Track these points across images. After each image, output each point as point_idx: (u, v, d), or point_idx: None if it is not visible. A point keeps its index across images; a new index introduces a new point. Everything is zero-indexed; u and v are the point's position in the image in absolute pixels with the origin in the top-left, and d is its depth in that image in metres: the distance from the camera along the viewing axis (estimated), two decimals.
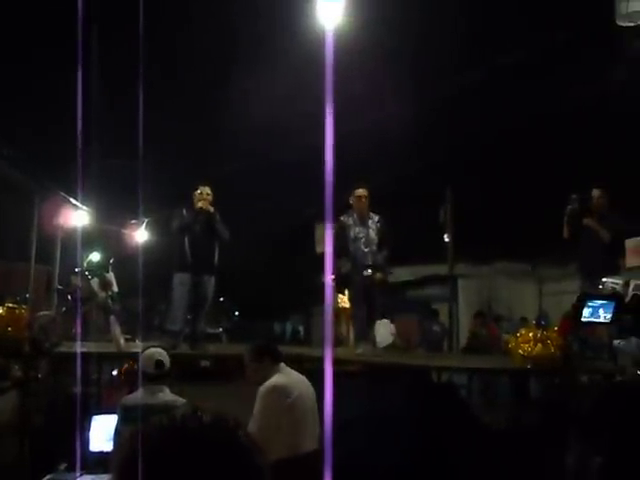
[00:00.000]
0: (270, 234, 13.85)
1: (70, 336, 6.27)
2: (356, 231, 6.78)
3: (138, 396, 4.17)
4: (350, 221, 6.81)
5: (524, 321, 11.23)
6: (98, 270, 7.16)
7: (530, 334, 5.03)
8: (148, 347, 4.47)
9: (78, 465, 3.97)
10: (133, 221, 10.07)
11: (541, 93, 8.20)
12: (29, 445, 5.11)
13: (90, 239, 8.39)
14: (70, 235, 9.05)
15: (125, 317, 7.51)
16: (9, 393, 5.44)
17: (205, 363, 9.10)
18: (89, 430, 4.47)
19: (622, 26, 6.11)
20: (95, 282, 7.10)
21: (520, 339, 5.06)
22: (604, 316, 4.66)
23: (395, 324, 9.27)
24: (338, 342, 7.44)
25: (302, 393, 4.01)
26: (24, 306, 5.82)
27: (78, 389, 4.97)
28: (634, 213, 7.24)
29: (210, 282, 6.88)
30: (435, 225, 12.79)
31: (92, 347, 6.43)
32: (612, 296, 4.68)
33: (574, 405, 4.68)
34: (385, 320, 7.56)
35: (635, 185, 7.86)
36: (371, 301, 6.83)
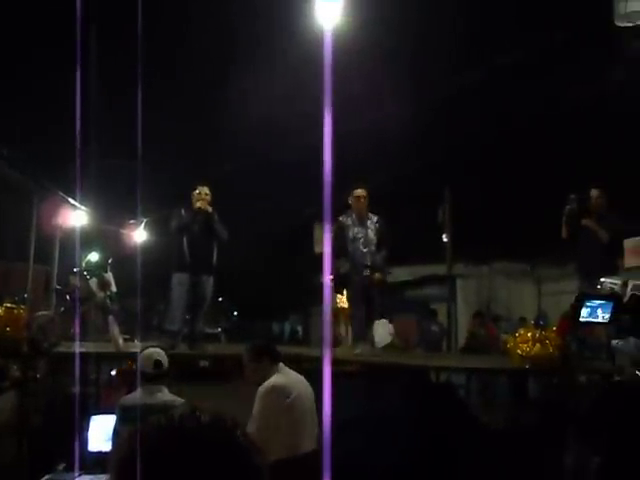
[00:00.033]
0: (269, 234, 13.85)
1: (69, 336, 6.27)
2: (355, 231, 6.78)
3: (137, 396, 4.16)
4: (349, 221, 6.81)
5: (523, 321, 11.23)
6: (97, 270, 7.15)
7: (529, 334, 5.03)
8: (147, 347, 4.46)
9: (77, 465, 3.96)
10: (132, 221, 10.06)
11: (540, 93, 8.21)
12: (27, 445, 5.11)
13: (89, 239, 8.39)
14: (69, 235, 9.04)
15: (124, 317, 7.51)
16: (7, 393, 5.43)
17: (204, 363, 9.08)
18: (88, 430, 4.46)
19: (621, 26, 6.12)
20: (94, 282, 7.10)
21: (519, 339, 5.06)
22: (602, 316, 4.65)
23: (394, 324, 9.26)
24: (336, 342, 7.43)
25: (301, 393, 4.01)
26: (22, 306, 5.81)
27: (77, 389, 4.96)
28: (633, 213, 7.25)
29: (209, 282, 6.88)
30: (434, 225, 12.80)
31: (91, 347, 6.42)
32: (610, 296, 4.68)
33: (572, 405, 4.69)
34: (383, 320, 7.55)
35: (633, 185, 7.88)
36: (370, 301, 6.83)
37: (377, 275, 6.78)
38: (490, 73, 7.81)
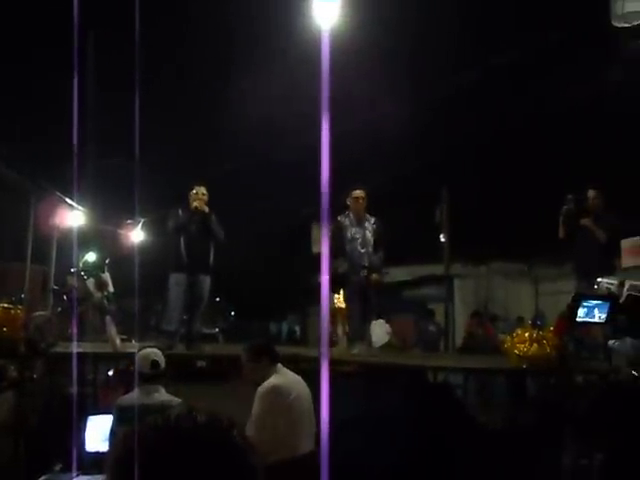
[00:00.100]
0: (267, 234, 13.85)
1: (66, 336, 6.27)
2: (353, 232, 6.79)
3: (134, 396, 4.16)
4: (347, 222, 6.82)
5: (520, 321, 11.25)
6: (94, 270, 7.16)
7: (526, 334, 5.03)
8: (144, 347, 4.46)
9: (74, 465, 3.96)
10: (129, 221, 10.05)
11: (537, 93, 8.22)
12: (24, 445, 5.09)
13: (86, 239, 8.38)
14: (66, 235, 9.03)
15: (121, 317, 7.51)
16: (5, 393, 5.42)
17: (201, 363, 9.08)
18: (85, 430, 4.45)
19: (618, 27, 6.12)
20: (91, 282, 7.10)
21: (516, 339, 5.06)
22: (599, 316, 4.66)
23: (391, 324, 9.26)
24: (334, 342, 7.43)
25: (300, 394, 4.02)
26: (20, 306, 5.80)
27: (74, 389, 4.95)
28: (629, 213, 7.26)
29: (206, 282, 6.88)
30: (431, 225, 12.80)
31: (88, 347, 6.41)
32: (607, 296, 4.69)
33: (570, 405, 4.69)
34: (381, 320, 7.55)
35: (630, 185, 7.89)
36: (367, 301, 6.85)
37: (374, 276, 6.79)
38: (487, 73, 7.82)
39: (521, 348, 4.95)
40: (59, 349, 5.71)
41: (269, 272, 15.84)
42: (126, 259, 7.64)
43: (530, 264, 14.31)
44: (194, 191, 6.89)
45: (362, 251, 6.76)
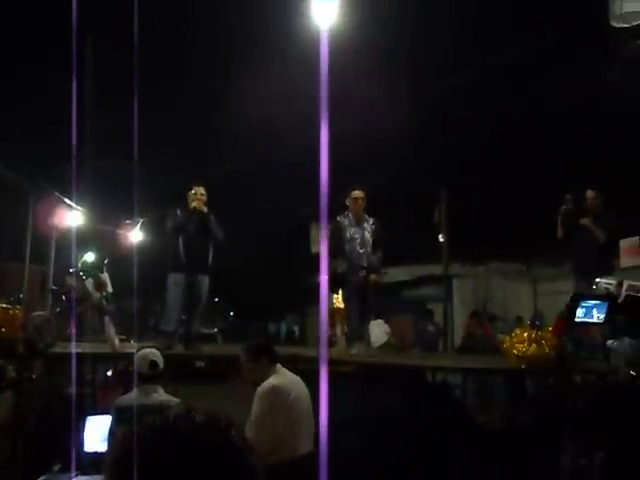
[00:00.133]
0: (266, 234, 13.84)
1: (65, 336, 6.26)
2: (351, 232, 6.80)
3: (132, 396, 4.16)
4: (346, 222, 6.83)
5: (519, 321, 11.25)
6: (93, 270, 7.15)
7: (525, 334, 5.03)
8: (142, 348, 4.46)
9: (73, 466, 3.95)
10: (128, 221, 10.04)
11: (536, 93, 8.23)
12: (23, 446, 5.09)
13: (85, 239, 8.36)
14: (65, 235, 9.01)
15: (120, 317, 7.51)
16: (3, 394, 5.41)
17: (200, 363, 9.09)
18: (83, 431, 4.45)
19: (616, 27, 6.13)
20: (90, 282, 7.10)
21: (515, 339, 5.07)
22: (597, 316, 4.67)
23: (390, 324, 9.26)
24: (333, 342, 7.43)
25: (299, 394, 4.01)
26: (18, 306, 5.80)
27: (72, 390, 4.94)
28: (628, 213, 7.27)
29: (204, 282, 6.87)
30: (430, 225, 12.81)
31: (87, 348, 6.42)
32: (605, 296, 4.69)
33: (568, 405, 4.70)
34: (379, 320, 7.55)
35: (629, 185, 7.90)
36: (366, 301, 6.85)
37: (373, 276, 6.80)
38: (485, 73, 7.83)
39: (520, 348, 4.95)
40: (58, 349, 5.70)
41: (268, 272, 15.84)
42: (125, 259, 7.64)
43: (529, 264, 14.32)
44: (193, 191, 6.88)
45: (361, 251, 6.77)
